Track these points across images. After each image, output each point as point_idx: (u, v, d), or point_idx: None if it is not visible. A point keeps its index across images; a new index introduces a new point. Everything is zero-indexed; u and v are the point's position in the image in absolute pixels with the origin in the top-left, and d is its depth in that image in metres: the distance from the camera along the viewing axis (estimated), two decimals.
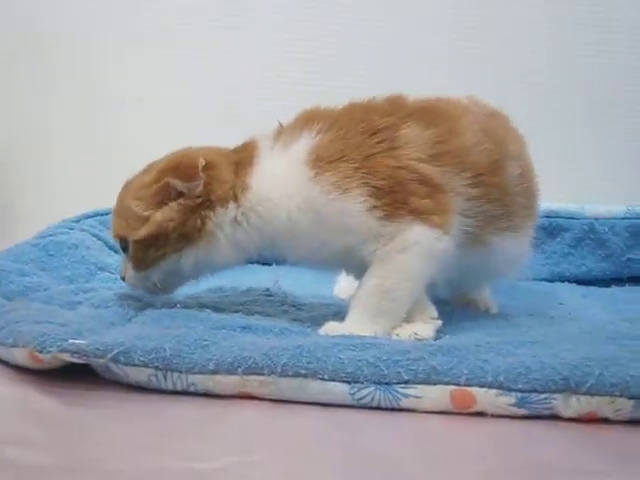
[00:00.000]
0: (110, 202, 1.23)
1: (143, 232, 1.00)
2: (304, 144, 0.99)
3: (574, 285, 1.52)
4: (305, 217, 0.98)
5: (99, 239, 1.34)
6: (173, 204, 1.00)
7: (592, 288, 1.50)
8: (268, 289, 1.18)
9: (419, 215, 0.97)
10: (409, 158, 0.98)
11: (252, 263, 1.45)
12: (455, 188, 1.00)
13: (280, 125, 1.06)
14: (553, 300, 1.34)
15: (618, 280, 1.54)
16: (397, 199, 0.97)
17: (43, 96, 1.78)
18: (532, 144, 1.66)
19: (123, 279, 1.06)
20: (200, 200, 1.00)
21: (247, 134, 1.07)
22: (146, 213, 1.01)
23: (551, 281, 1.54)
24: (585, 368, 0.79)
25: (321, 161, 0.97)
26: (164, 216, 1.00)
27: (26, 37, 1.78)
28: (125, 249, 1.04)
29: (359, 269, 1.01)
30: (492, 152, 1.04)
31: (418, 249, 0.98)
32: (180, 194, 1.00)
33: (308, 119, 1.02)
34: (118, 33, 1.77)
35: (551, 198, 1.56)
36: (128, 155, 1.52)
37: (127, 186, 1.06)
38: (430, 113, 1.03)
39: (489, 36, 1.75)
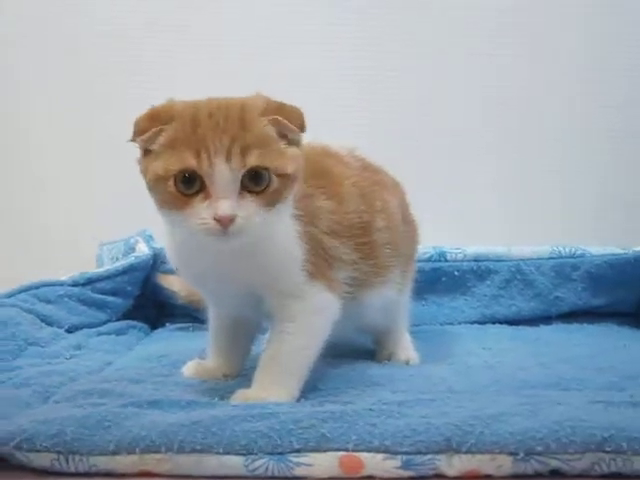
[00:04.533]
0: None
1: (295, 165, 0.95)
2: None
3: (504, 326, 1.57)
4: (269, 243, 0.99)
5: (30, 312, 1.36)
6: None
7: (521, 328, 1.55)
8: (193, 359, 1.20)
9: (330, 282, 1.04)
10: (321, 230, 1.05)
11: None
12: (343, 257, 1.07)
13: None
14: (479, 345, 1.37)
15: (548, 318, 1.59)
16: (316, 262, 1.03)
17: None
18: (460, 188, 1.73)
19: (231, 221, 0.91)
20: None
21: None
22: (284, 147, 0.95)
23: (483, 323, 1.59)
24: (467, 427, 0.83)
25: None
26: (300, 153, 0.97)
27: None
28: (258, 183, 0.92)
29: (252, 321, 1.13)
30: (365, 214, 1.10)
31: (328, 313, 1.04)
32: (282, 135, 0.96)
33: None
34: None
35: (480, 242, 1.62)
36: None
37: (235, 112, 0.93)
38: (326, 180, 1.08)
39: None
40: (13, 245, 1.84)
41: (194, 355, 1.22)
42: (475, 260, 1.60)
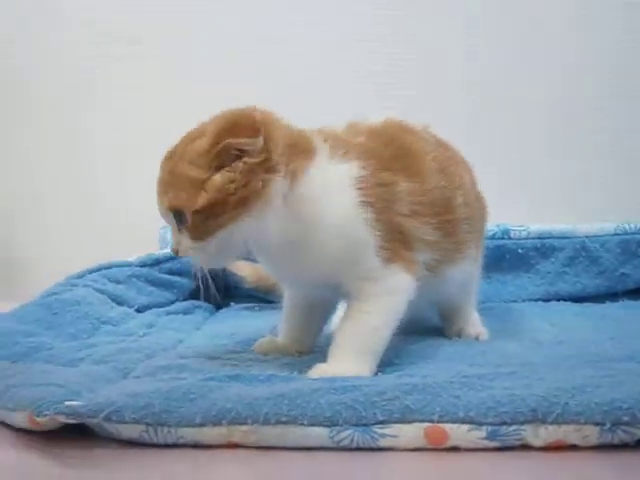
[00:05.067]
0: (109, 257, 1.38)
1: (203, 199, 0.96)
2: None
3: (569, 303, 1.56)
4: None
5: (102, 293, 1.38)
6: (236, 164, 0.96)
7: (587, 305, 1.54)
8: (264, 336, 1.21)
9: (407, 264, 1.04)
10: (400, 214, 1.05)
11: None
12: (425, 238, 1.07)
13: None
14: (545, 321, 1.37)
15: (614, 295, 1.58)
16: (391, 247, 1.03)
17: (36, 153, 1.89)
18: (522, 170, 1.73)
19: (176, 253, 1.03)
20: (261, 159, 0.97)
21: None
22: (205, 177, 0.97)
23: (547, 300, 1.59)
24: (553, 398, 0.83)
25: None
26: (224, 179, 0.96)
27: None
28: (181, 221, 1.00)
29: (328, 301, 1.14)
30: (446, 189, 1.11)
31: (404, 294, 1.04)
32: (240, 155, 0.96)
33: (362, 149, 1.05)
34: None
35: (542, 220, 1.61)
36: None
37: (176, 155, 1.00)
38: (407, 159, 1.08)
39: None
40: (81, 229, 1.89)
41: (264, 333, 1.23)
42: (539, 237, 1.60)
